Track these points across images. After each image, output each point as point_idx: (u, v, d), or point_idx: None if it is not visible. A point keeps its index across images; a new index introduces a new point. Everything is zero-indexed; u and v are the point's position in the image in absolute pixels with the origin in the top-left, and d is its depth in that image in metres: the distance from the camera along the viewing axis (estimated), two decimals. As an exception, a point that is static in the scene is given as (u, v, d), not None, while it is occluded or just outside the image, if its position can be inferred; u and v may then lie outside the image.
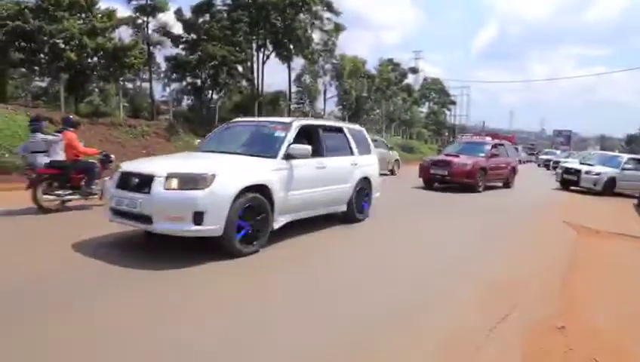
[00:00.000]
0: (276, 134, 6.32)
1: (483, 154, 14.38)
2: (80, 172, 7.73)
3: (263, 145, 6.25)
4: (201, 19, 23.60)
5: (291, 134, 6.23)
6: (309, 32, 28.02)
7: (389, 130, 40.21)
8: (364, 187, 7.79)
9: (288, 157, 5.94)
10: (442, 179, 13.73)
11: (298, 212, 6.26)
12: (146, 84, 29.48)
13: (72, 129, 8.00)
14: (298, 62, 31.85)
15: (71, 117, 8.72)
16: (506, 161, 15.68)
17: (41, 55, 17.08)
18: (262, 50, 27.40)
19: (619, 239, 7.88)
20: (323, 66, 34.28)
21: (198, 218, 4.77)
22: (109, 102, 27.66)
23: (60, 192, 7.47)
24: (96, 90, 27.23)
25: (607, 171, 15.77)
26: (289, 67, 29.81)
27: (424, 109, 56.68)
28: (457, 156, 14.14)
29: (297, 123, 6.56)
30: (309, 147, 6.14)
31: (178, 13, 23.16)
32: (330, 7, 28.78)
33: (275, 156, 5.86)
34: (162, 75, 30.83)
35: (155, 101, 23.76)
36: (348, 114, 36.29)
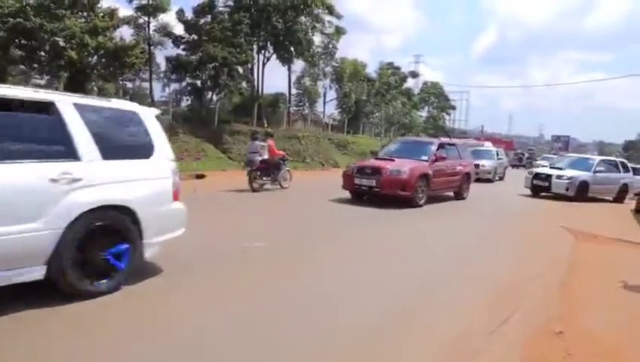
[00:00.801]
0: None
1: (426, 157, 11.34)
2: (275, 167, 12.09)
3: None
4: (202, 20, 23.63)
5: None
6: (310, 34, 28.13)
7: (389, 133, 40.27)
8: (107, 227, 3.82)
9: None
10: (370, 191, 10.66)
11: None
12: (145, 84, 29.55)
13: (271, 138, 12.95)
14: (298, 65, 32.02)
15: (270, 130, 13.88)
16: (458, 165, 12.66)
17: (42, 53, 17.10)
18: (262, 51, 27.48)
19: (616, 245, 7.90)
20: (323, 69, 34.40)
21: None
22: (108, 101, 27.59)
23: (264, 180, 11.99)
24: (96, 89, 27.24)
25: (579, 175, 14.71)
26: (289, 69, 29.92)
27: (423, 113, 56.86)
28: (391, 160, 11.05)
29: None
30: None
31: (179, 14, 23.21)
32: (331, 10, 28.87)
33: None
34: (162, 75, 30.98)
35: (154, 101, 23.76)
36: (347, 117, 36.35)
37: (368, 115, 41.08)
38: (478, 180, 19.48)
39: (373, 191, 10.54)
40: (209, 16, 23.87)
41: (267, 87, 35.01)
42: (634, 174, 18.06)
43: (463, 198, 12.91)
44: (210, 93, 25.08)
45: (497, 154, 22.95)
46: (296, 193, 12.11)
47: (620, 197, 15.78)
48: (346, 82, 35.82)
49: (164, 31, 23.23)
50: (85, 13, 18.09)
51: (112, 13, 18.68)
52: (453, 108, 63.79)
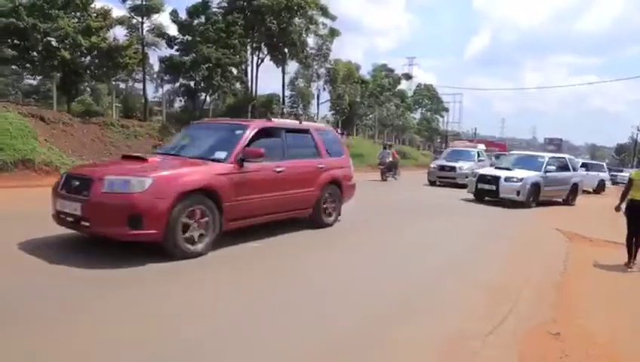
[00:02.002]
0: None
1: (222, 155, 5.82)
2: (394, 166, 19.66)
3: None
4: (196, 21, 23.54)
5: None
6: (304, 36, 28.12)
7: (382, 135, 40.34)
8: None
9: None
10: (77, 227, 5.12)
11: None
12: (138, 85, 29.36)
13: (392, 148, 22.04)
14: (292, 66, 31.96)
15: (390, 143, 25.99)
16: (313, 166, 7.23)
17: (34, 53, 16.94)
18: (256, 53, 27.44)
19: (611, 247, 7.94)
20: (317, 71, 34.35)
21: None
22: (101, 101, 27.52)
23: (388, 174, 19.06)
24: (88, 89, 27.06)
25: (530, 176, 12.72)
26: (283, 71, 29.88)
27: (417, 115, 57.01)
28: (143, 161, 5.73)
29: None
30: None
31: (173, 15, 23.10)
32: (325, 12, 28.89)
33: None
34: (155, 76, 30.82)
35: (147, 102, 23.62)
36: (341, 118, 36.37)
37: (362, 116, 41.11)
38: (455, 185, 17.04)
39: (82, 228, 5.04)
40: (203, 17, 23.80)
41: (261, 88, 34.95)
42: (587, 170, 17.63)
43: (328, 225, 7.52)
44: (203, 94, 24.99)
45: (478, 156, 20.40)
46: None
47: (570, 199, 14.52)
48: (339, 84, 35.78)
49: (158, 31, 23.07)
50: (78, 14, 17.93)
51: (105, 13, 18.53)
52: (447, 110, 64.04)
